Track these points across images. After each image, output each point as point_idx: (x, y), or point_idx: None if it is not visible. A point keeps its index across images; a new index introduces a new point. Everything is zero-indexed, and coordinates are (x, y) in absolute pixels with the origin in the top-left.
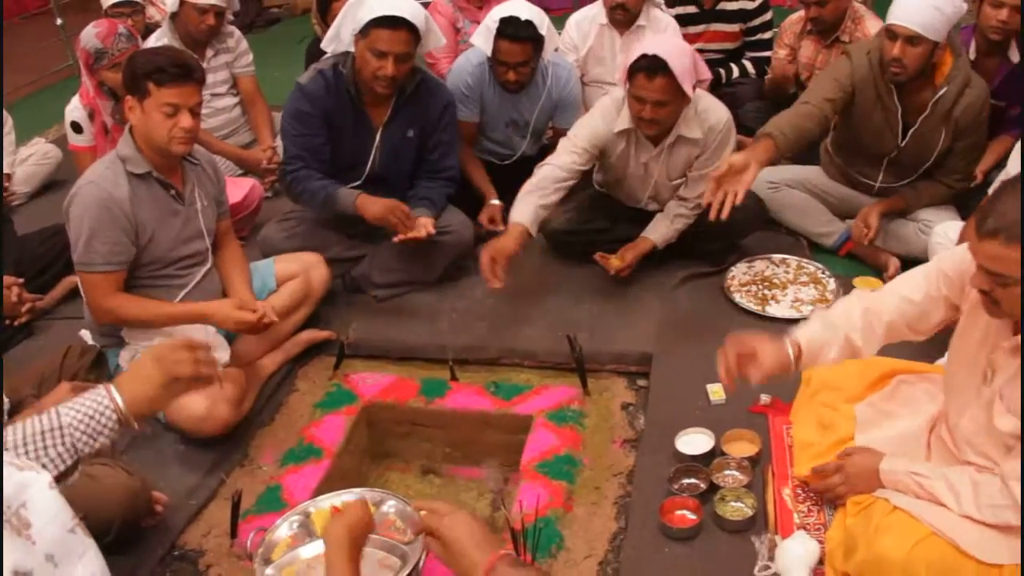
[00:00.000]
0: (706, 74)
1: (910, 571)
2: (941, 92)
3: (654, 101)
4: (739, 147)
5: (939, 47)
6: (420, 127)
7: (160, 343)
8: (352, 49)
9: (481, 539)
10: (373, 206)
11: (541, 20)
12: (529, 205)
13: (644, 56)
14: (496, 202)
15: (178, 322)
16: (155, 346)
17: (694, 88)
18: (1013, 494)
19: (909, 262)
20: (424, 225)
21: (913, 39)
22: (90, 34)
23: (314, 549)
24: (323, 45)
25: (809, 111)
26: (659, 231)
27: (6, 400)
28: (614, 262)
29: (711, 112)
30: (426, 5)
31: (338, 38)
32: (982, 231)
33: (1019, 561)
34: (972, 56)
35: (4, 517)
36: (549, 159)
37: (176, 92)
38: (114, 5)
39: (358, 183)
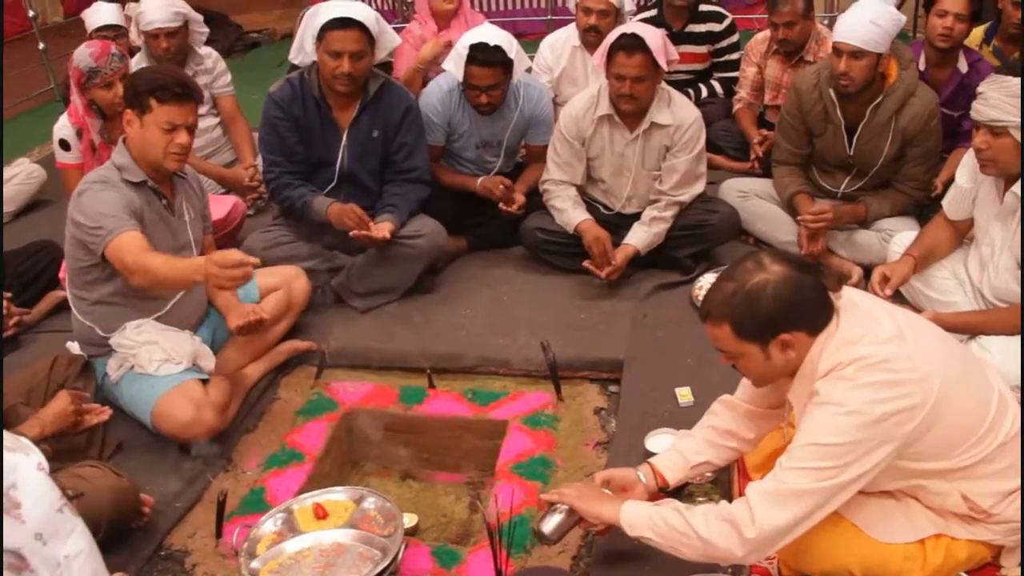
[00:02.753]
0: (674, 55)
1: (837, 559)
2: (878, 101)
3: (634, 77)
4: (710, 165)
5: (883, 57)
6: (383, 128)
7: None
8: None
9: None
10: (332, 210)
11: (510, 44)
12: (577, 206)
13: (624, 35)
14: (482, 179)
15: (194, 277)
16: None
17: (667, 64)
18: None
19: (871, 271)
20: (381, 229)
21: (856, 53)
22: (84, 53)
23: (298, 544)
24: (290, 57)
25: (792, 169)
26: (639, 236)
27: None
28: (601, 270)
29: (682, 107)
30: (399, 30)
31: (303, 49)
32: (701, 319)
33: (913, 540)
34: (922, 67)
35: None
36: (545, 180)
37: (176, 110)
38: (99, 29)
39: (332, 184)
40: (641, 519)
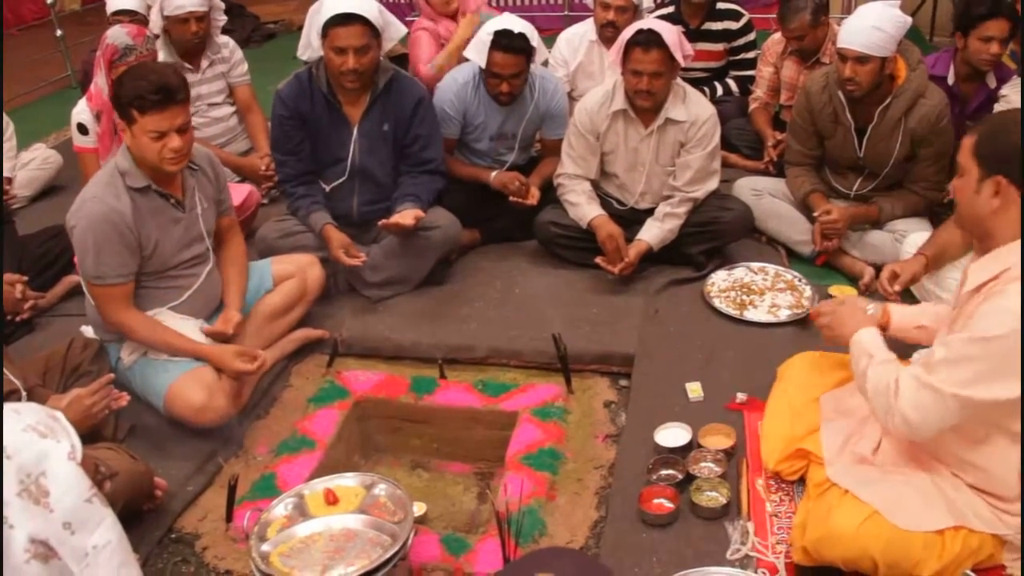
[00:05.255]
0: (689, 50)
1: (860, 545)
2: (886, 103)
3: (651, 72)
4: (724, 163)
5: (889, 60)
6: (395, 121)
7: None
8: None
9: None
10: (330, 243)
11: (532, 33)
12: (592, 201)
13: (640, 31)
14: (496, 173)
15: (180, 354)
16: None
17: (682, 59)
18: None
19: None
20: (406, 216)
21: (861, 59)
22: (120, 32)
23: (308, 528)
24: (299, 53)
25: (805, 169)
26: (652, 232)
27: (20, 386)
28: (614, 266)
29: (697, 104)
30: (411, 23)
31: (310, 45)
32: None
33: (933, 529)
34: (951, 81)
35: (23, 485)
36: (560, 174)
37: (159, 118)
38: (116, 12)
39: (343, 178)
40: (863, 351)
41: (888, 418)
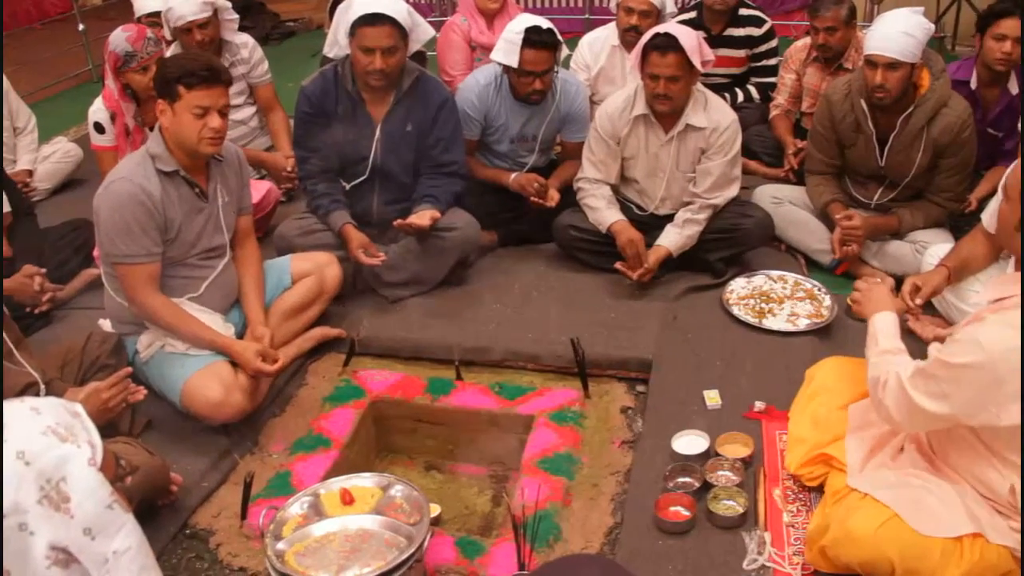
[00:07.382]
0: (709, 55)
1: (878, 547)
2: (909, 111)
3: (668, 76)
4: (745, 170)
5: (916, 67)
6: (418, 122)
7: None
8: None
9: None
10: (350, 242)
11: (554, 28)
12: (611, 206)
13: (657, 35)
14: (515, 175)
15: (203, 346)
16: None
17: (702, 65)
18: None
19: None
20: (423, 216)
21: (892, 65)
22: (120, 37)
23: (324, 527)
24: (325, 51)
25: (825, 178)
26: (671, 238)
27: (39, 378)
28: (634, 271)
29: (718, 110)
30: (438, 24)
31: (337, 43)
32: None
33: (951, 535)
34: (974, 86)
35: (44, 492)
36: (580, 178)
37: (205, 94)
38: (148, 15)
39: (364, 177)
40: (872, 336)
41: (877, 409)
